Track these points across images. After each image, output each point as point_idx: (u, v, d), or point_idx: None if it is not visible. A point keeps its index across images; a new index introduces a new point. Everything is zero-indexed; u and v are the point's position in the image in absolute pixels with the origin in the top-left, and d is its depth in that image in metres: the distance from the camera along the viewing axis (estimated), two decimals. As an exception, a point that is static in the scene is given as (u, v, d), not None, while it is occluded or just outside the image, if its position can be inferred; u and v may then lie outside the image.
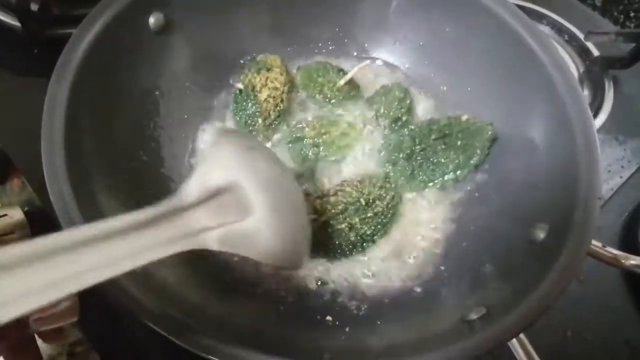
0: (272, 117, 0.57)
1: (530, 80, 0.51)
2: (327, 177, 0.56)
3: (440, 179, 0.55)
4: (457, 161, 0.54)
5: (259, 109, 0.57)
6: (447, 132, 0.55)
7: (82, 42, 0.44)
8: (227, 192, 0.29)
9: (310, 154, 0.56)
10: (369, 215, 0.51)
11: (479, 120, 0.56)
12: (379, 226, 0.51)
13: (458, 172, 0.55)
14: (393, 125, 0.59)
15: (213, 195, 0.29)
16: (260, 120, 0.57)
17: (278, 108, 0.58)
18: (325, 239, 0.49)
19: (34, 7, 0.60)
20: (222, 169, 0.30)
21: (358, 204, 0.51)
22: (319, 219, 0.50)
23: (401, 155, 0.56)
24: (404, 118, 0.59)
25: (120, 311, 0.49)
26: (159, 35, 0.52)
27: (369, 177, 0.54)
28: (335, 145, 0.57)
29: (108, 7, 0.46)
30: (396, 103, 0.59)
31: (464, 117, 0.56)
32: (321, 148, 0.56)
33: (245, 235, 0.30)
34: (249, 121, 0.57)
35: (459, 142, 0.55)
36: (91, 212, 0.38)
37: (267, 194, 0.30)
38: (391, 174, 0.56)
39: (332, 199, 0.51)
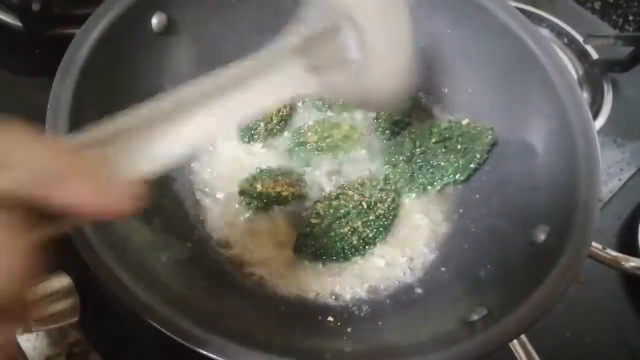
0: (274, 121, 0.57)
1: (531, 83, 0.51)
2: (328, 179, 0.56)
3: (440, 181, 0.55)
4: (456, 164, 0.54)
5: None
6: (447, 135, 0.56)
7: (86, 41, 0.44)
8: (334, 32, 0.28)
9: (313, 158, 0.56)
10: (370, 218, 0.51)
11: (480, 124, 0.56)
12: (380, 229, 0.51)
13: (457, 175, 0.55)
14: (394, 127, 0.59)
15: (321, 35, 0.28)
16: (262, 125, 0.57)
17: (281, 113, 0.58)
18: (328, 243, 0.49)
19: (36, 7, 0.60)
20: (335, 7, 0.28)
21: (360, 207, 0.51)
22: (322, 223, 0.50)
23: (401, 158, 0.56)
24: (405, 120, 0.59)
25: (120, 311, 0.49)
26: (162, 35, 0.52)
27: (369, 179, 0.55)
28: (338, 148, 0.57)
29: (111, 7, 0.46)
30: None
31: (465, 121, 0.56)
32: (324, 151, 0.56)
33: (348, 78, 0.29)
34: (250, 125, 0.57)
35: (459, 146, 0.55)
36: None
37: (379, 37, 0.28)
38: (391, 175, 0.56)
39: (334, 202, 0.51)
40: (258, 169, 0.55)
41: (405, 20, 0.29)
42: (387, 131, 0.59)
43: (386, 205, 0.52)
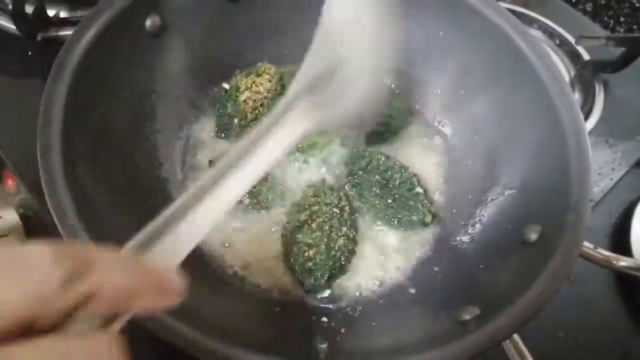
0: (249, 118, 0.57)
1: (522, 84, 0.52)
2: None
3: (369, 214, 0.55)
4: (383, 211, 0.54)
5: (237, 109, 0.57)
6: (386, 181, 0.54)
7: (79, 43, 0.44)
8: (324, 79, 0.34)
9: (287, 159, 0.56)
10: (345, 218, 0.51)
11: (426, 201, 0.54)
12: (358, 225, 0.51)
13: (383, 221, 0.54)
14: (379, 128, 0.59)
15: (314, 83, 0.34)
16: (236, 121, 0.57)
17: (257, 111, 0.58)
18: (334, 264, 0.48)
19: (29, 9, 0.60)
20: (325, 55, 0.35)
21: (335, 214, 0.50)
22: (319, 250, 0.48)
23: (337, 172, 0.56)
24: (392, 123, 0.59)
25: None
26: (155, 38, 0.52)
27: (310, 187, 0.54)
28: (314, 147, 0.57)
29: (105, 10, 0.46)
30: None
31: (417, 190, 0.54)
32: (302, 151, 0.57)
33: (331, 114, 0.35)
34: (226, 120, 0.58)
35: (396, 195, 0.54)
36: (88, 212, 0.38)
37: (358, 84, 0.35)
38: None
39: (314, 224, 0.50)
40: None
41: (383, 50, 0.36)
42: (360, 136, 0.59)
43: (346, 202, 0.52)
